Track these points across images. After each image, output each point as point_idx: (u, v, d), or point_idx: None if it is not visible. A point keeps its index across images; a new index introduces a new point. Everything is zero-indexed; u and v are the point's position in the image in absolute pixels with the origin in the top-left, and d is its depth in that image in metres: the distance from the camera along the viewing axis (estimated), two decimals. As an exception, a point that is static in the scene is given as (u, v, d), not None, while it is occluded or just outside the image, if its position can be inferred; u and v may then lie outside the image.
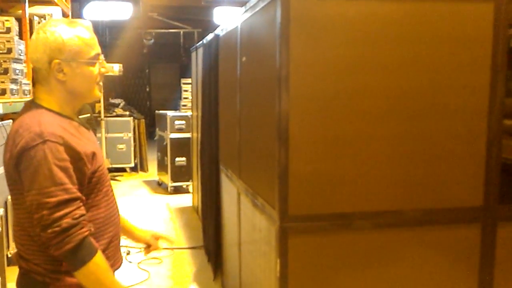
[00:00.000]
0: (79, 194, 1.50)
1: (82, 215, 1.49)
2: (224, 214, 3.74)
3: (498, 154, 2.17)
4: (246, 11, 2.70)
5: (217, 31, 3.82)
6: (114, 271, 1.65)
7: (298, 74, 2.04)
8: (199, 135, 4.84)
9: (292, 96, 2.04)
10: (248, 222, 2.77)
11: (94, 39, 1.62)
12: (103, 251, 1.58)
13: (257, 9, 2.43)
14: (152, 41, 13.27)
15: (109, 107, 9.31)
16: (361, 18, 2.05)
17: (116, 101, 9.82)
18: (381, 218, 2.14)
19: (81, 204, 1.50)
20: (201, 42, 5.42)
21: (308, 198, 2.10)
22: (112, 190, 1.73)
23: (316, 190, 2.10)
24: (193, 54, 6.24)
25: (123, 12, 9.89)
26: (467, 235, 2.22)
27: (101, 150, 1.80)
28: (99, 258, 1.51)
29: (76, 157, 1.51)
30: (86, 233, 1.48)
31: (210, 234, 4.24)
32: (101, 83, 1.67)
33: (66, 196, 1.44)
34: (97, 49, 1.63)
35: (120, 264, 1.74)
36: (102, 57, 1.66)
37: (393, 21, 2.07)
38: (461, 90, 2.13)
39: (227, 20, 3.64)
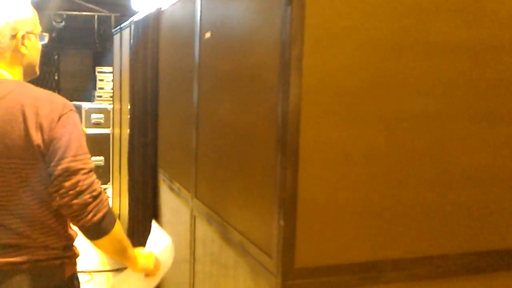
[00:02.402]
0: None
1: None
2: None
3: None
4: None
5: (159, 5, 3.01)
6: None
7: (316, 56, 1.35)
8: (128, 132, 3.98)
9: (306, 87, 1.35)
10: (210, 257, 2.04)
11: None
12: None
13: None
14: (63, 24, 11.92)
15: (11, 96, 8.03)
16: (410, -24, 1.40)
17: (20, 89, 8.52)
18: (420, 267, 1.51)
19: None
20: (128, 21, 4.55)
21: (322, 242, 1.41)
22: None
23: (334, 230, 1.42)
24: (116, 37, 5.33)
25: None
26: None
27: None
28: (119, 225, 1.52)
29: None
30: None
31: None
32: None
33: (92, 165, 1.46)
34: None
35: None
36: None
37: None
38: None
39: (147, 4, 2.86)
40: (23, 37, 1.50)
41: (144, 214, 3.27)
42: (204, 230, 2.08)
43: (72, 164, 1.39)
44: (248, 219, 1.62)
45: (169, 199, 2.73)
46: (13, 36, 1.48)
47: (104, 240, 1.47)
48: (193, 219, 2.23)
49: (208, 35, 1.99)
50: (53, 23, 11.78)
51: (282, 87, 1.36)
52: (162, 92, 2.93)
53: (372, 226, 1.45)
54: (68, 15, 11.85)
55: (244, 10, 1.68)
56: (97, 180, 1.44)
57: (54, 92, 1.47)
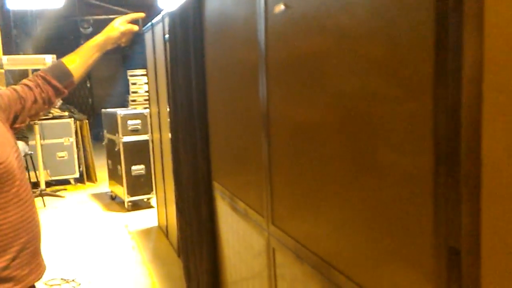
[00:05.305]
0: None
1: None
2: (226, 260, 2.48)
3: None
4: None
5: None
6: (32, 281, 1.46)
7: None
8: (170, 138, 3.52)
9: (489, 68, 0.81)
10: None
11: None
12: (12, 259, 1.39)
13: None
14: (90, 29, 11.63)
15: (44, 107, 7.76)
16: None
17: (52, 99, 8.24)
18: None
19: None
20: (160, 15, 4.10)
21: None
22: (28, 190, 1.47)
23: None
24: (147, 36, 4.90)
25: (54, -1, 8.39)
26: None
27: (8, 143, 1.42)
28: None
29: None
30: None
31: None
32: None
33: None
34: None
35: (41, 272, 1.52)
36: None
37: None
38: None
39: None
40: None
41: (199, 235, 2.79)
42: (291, 269, 1.57)
43: None
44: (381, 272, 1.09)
45: (232, 222, 2.23)
46: None
47: None
48: (271, 252, 1.72)
49: (280, 8, 1.47)
50: (81, 29, 11.52)
51: (440, 65, 0.83)
52: (211, 90, 2.43)
53: None
54: (95, 20, 11.55)
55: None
56: None
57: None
